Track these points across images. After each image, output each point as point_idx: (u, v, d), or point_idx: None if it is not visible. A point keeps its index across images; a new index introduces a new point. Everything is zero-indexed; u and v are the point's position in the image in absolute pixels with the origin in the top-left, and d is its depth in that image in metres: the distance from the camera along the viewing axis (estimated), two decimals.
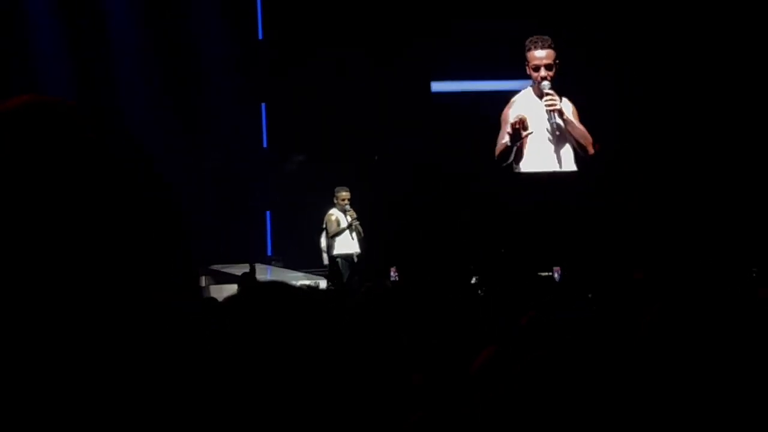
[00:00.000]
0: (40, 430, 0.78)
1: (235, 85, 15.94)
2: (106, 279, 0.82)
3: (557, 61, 11.35)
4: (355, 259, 13.67)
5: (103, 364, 0.80)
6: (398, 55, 15.67)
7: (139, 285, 0.84)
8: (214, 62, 15.77)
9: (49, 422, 0.78)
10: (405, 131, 15.68)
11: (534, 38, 11.87)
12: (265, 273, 14.23)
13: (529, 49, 10.90)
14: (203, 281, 14.03)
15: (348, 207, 13.64)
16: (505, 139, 10.57)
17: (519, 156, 10.84)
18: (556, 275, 11.18)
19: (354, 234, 13.68)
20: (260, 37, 16.46)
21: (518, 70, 11.35)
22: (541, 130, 10.67)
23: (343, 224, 13.65)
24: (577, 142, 11.11)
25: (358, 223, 13.65)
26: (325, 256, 14.31)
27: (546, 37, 12.21)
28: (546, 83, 10.59)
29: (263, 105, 16.58)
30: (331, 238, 13.71)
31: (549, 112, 10.54)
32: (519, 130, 9.96)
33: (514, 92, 11.63)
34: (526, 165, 10.96)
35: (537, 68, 10.68)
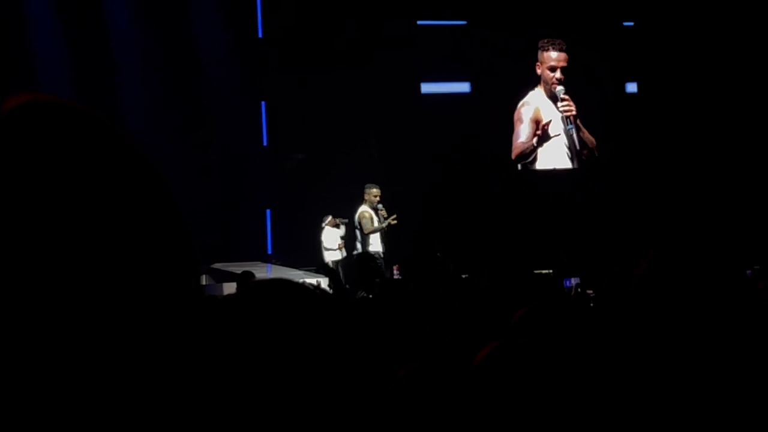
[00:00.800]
0: (40, 430, 0.79)
1: (235, 83, 15.93)
2: (112, 285, 0.82)
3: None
4: (381, 257, 13.64)
5: (104, 363, 0.81)
6: (395, 54, 15.66)
7: (147, 285, 0.85)
8: (214, 61, 15.76)
9: (48, 422, 0.79)
10: (402, 128, 15.69)
11: (549, 40, 11.86)
12: (265, 271, 14.22)
13: (546, 50, 10.90)
14: (203, 280, 14.02)
15: (380, 206, 13.59)
16: (521, 138, 10.58)
17: (533, 158, 10.90)
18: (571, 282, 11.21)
19: (381, 232, 13.70)
20: (260, 35, 16.46)
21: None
22: (553, 131, 10.71)
23: (376, 221, 13.60)
24: (585, 143, 11.14)
25: (386, 218, 13.62)
26: (326, 254, 14.30)
27: (560, 40, 12.19)
28: (561, 88, 10.65)
29: (263, 103, 16.57)
30: (366, 235, 13.65)
31: (565, 117, 10.59)
32: (548, 132, 10.02)
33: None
34: (540, 164, 10.98)
35: (553, 69, 10.73)
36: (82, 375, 0.78)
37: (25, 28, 14.72)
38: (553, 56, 10.71)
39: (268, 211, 16.61)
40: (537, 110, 10.79)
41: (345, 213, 14.51)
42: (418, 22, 16.25)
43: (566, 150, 11.72)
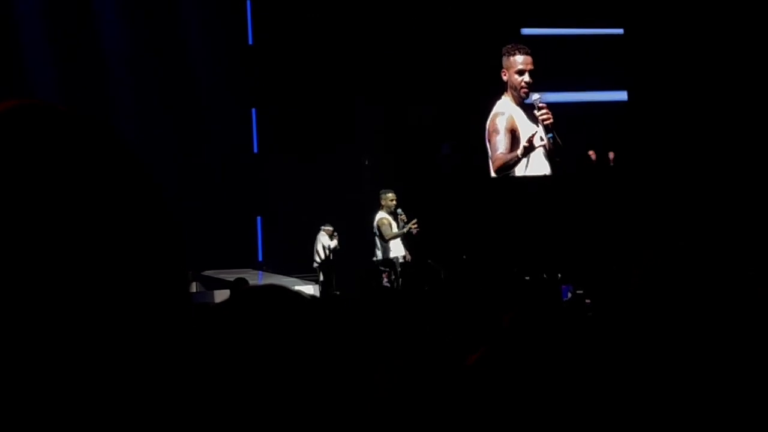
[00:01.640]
0: (40, 430, 0.79)
1: (226, 90, 15.93)
2: (101, 288, 0.82)
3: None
4: (399, 262, 13.67)
5: (94, 365, 0.81)
6: (384, 62, 15.69)
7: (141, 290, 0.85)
8: (205, 67, 15.76)
9: (48, 422, 0.79)
10: (389, 135, 15.72)
11: (513, 45, 11.84)
12: (257, 278, 14.21)
13: (511, 55, 10.87)
14: (194, 287, 13.99)
15: (399, 210, 13.60)
16: (501, 149, 10.55)
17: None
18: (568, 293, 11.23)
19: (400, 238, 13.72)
20: (250, 42, 16.46)
21: None
22: (524, 139, 10.68)
23: (394, 227, 13.60)
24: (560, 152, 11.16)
25: (405, 222, 13.67)
26: (315, 257, 14.31)
27: (523, 45, 12.22)
28: (537, 96, 10.63)
29: (253, 110, 16.57)
30: (387, 241, 13.65)
31: (545, 125, 10.58)
32: (534, 142, 10.01)
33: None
34: (518, 170, 10.98)
35: (521, 72, 10.69)
36: (73, 377, 0.78)
37: (15, 34, 14.69)
38: (519, 60, 10.71)
39: (258, 218, 16.59)
40: (511, 119, 10.80)
41: (339, 220, 14.50)
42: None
43: (544, 157, 11.74)
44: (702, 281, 1.94)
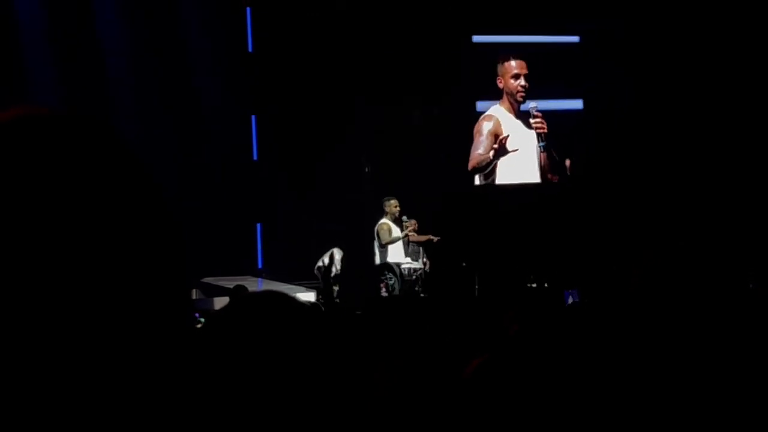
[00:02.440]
0: (40, 430, 0.78)
1: (225, 97, 15.94)
2: (103, 292, 0.82)
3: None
4: (404, 269, 13.71)
5: (95, 367, 0.80)
6: (384, 68, 15.71)
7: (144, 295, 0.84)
8: (204, 74, 15.77)
9: (48, 423, 0.78)
10: (392, 144, 15.74)
11: (505, 53, 11.87)
12: (256, 286, 14.21)
13: (506, 60, 10.86)
14: (193, 294, 13.98)
15: (405, 217, 13.69)
16: (479, 150, 10.54)
17: (491, 173, 10.85)
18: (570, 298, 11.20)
19: (404, 244, 13.78)
20: (250, 49, 16.48)
21: None
22: (515, 147, 10.67)
23: (395, 232, 13.67)
24: (553, 166, 11.13)
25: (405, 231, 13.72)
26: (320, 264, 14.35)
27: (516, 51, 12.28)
28: (534, 104, 10.62)
29: (253, 117, 16.58)
30: (383, 246, 13.74)
31: (538, 134, 10.55)
32: (505, 146, 9.96)
33: None
34: (501, 179, 10.96)
35: (517, 77, 10.67)
36: (73, 378, 0.78)
37: (15, 38, 14.69)
38: (514, 64, 10.72)
39: (258, 225, 16.59)
40: (497, 123, 10.80)
41: (339, 226, 14.52)
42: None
43: (538, 170, 11.76)
44: (702, 281, 1.94)
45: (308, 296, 13.39)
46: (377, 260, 13.82)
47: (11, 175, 0.80)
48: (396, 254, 13.79)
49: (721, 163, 15.49)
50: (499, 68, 10.76)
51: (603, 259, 10.66)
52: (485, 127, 10.98)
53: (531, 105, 10.54)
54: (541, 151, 10.77)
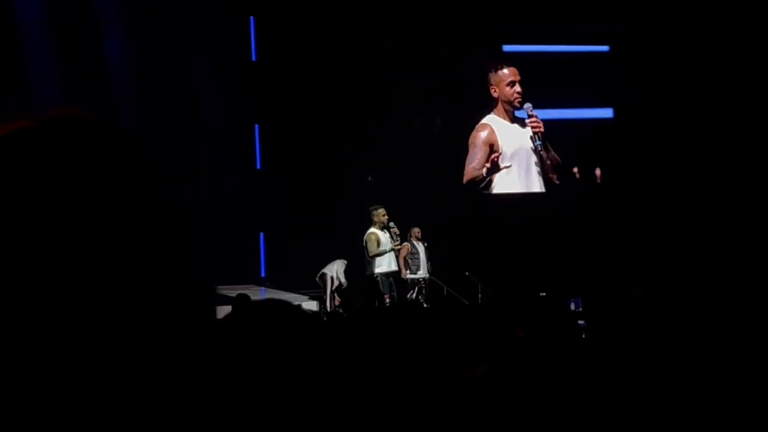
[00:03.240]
0: (40, 430, 0.79)
1: (229, 106, 15.95)
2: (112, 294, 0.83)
3: None
4: (393, 277, 13.71)
5: (98, 367, 0.81)
6: (387, 76, 15.72)
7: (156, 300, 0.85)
8: (208, 84, 15.78)
9: (48, 422, 0.79)
10: (395, 153, 15.74)
11: (494, 61, 11.87)
12: (260, 295, 14.19)
13: (498, 69, 10.82)
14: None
15: (392, 224, 13.68)
16: (473, 163, 10.51)
17: (488, 183, 10.82)
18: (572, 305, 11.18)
19: (393, 253, 13.76)
20: (253, 59, 16.49)
21: None
22: (512, 158, 10.64)
23: (384, 242, 13.64)
24: (552, 164, 11.11)
25: (398, 237, 13.68)
26: (328, 268, 14.36)
27: (506, 59, 12.27)
28: (529, 105, 10.61)
29: (257, 126, 16.59)
30: (372, 257, 13.72)
31: (534, 133, 10.54)
32: (497, 163, 9.93)
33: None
34: (498, 188, 10.92)
35: (512, 84, 10.66)
36: (73, 376, 0.78)
37: (17, 46, 14.72)
38: (507, 72, 10.71)
39: (261, 234, 16.59)
40: (491, 132, 10.80)
41: (342, 236, 14.51)
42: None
43: (537, 178, 11.72)
44: (702, 281, 1.94)
45: (311, 305, 13.40)
46: (366, 271, 13.84)
47: (21, 179, 0.81)
48: (386, 263, 13.75)
49: (721, 164, 15.56)
50: (492, 77, 10.74)
51: (608, 263, 10.64)
52: (479, 137, 10.98)
53: (526, 105, 10.52)
54: (539, 150, 10.72)
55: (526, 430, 2.06)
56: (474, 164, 10.48)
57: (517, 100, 10.64)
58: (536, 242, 11.90)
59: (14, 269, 0.78)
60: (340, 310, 13.30)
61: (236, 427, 1.25)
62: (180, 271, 0.87)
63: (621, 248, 11.08)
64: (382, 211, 13.74)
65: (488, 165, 9.95)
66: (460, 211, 14.84)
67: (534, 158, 10.91)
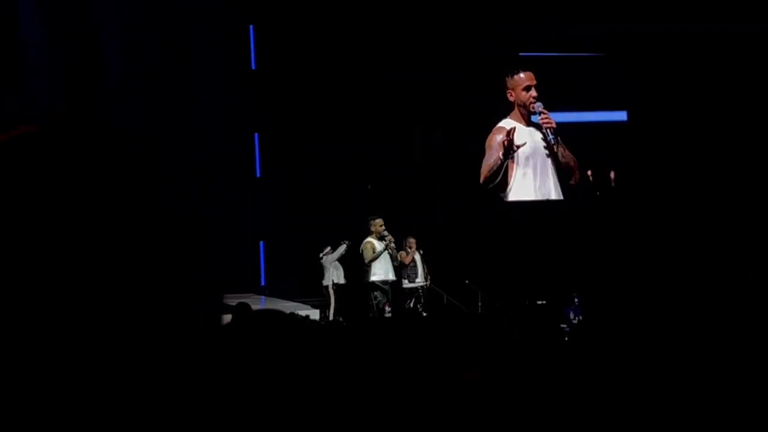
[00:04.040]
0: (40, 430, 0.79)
1: (228, 114, 15.95)
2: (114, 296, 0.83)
3: None
4: (389, 287, 13.73)
5: (97, 367, 0.81)
6: (386, 86, 15.72)
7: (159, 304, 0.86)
8: (207, 92, 15.79)
9: (47, 422, 0.79)
10: (395, 159, 15.74)
11: (511, 66, 11.89)
12: (259, 303, 14.19)
13: (515, 74, 10.88)
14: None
15: (386, 232, 13.77)
16: (492, 160, 10.54)
17: (504, 185, 10.86)
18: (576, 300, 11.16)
19: (390, 260, 13.81)
20: (253, 67, 16.51)
21: None
22: (527, 160, 10.69)
23: (379, 251, 13.73)
24: (567, 164, 11.15)
25: (394, 247, 13.76)
26: (327, 275, 14.36)
27: (523, 63, 12.32)
28: (539, 104, 10.66)
29: (256, 135, 16.59)
30: (367, 264, 13.81)
31: (546, 129, 10.59)
32: (512, 141, 9.96)
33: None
34: (514, 194, 10.96)
35: (528, 88, 10.71)
36: (73, 378, 0.79)
37: (19, 49, 14.72)
38: (524, 76, 10.75)
39: (261, 243, 16.58)
40: (506, 132, 10.80)
41: (341, 244, 14.52)
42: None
43: (553, 180, 11.71)
44: (702, 281, 1.94)
45: (313, 314, 13.38)
46: (363, 279, 13.89)
47: (23, 184, 0.82)
48: (382, 271, 13.79)
49: (721, 164, 15.62)
50: (509, 82, 10.79)
51: (609, 263, 10.65)
52: (495, 140, 11.00)
53: (536, 105, 10.56)
54: (552, 144, 10.73)
55: (526, 430, 2.06)
56: (490, 162, 10.49)
57: (532, 105, 10.69)
58: (544, 246, 11.89)
59: (18, 271, 0.79)
60: (340, 319, 13.30)
61: (235, 428, 1.26)
62: (179, 272, 0.88)
63: (621, 248, 11.10)
64: (379, 221, 13.88)
65: (505, 142, 9.96)
66: (465, 215, 14.84)
67: (550, 161, 10.96)
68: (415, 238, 14.24)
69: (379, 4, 15.74)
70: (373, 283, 13.70)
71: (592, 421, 2.00)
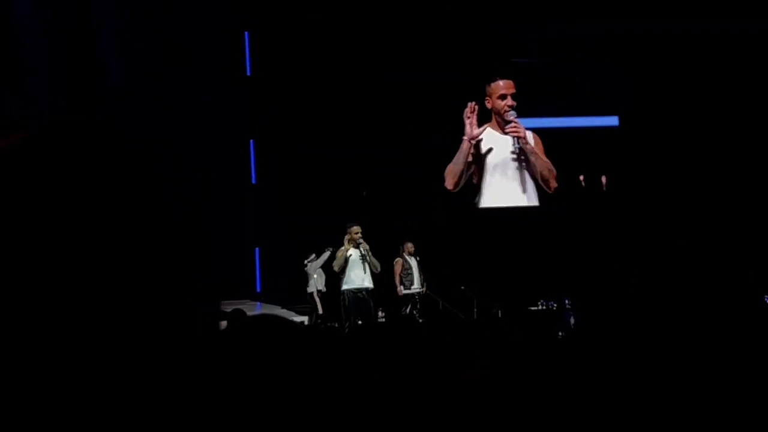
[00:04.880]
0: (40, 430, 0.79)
1: (224, 121, 15.96)
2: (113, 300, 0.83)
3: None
4: (365, 294, 13.37)
5: (96, 368, 0.81)
6: (382, 92, 15.74)
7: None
8: (203, 98, 15.79)
9: (46, 421, 0.79)
10: (391, 165, 15.76)
11: (493, 70, 11.90)
12: (255, 310, 14.19)
13: (493, 81, 10.88)
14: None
15: (361, 240, 13.44)
16: (454, 157, 10.56)
17: (478, 192, 10.85)
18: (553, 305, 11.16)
19: (367, 267, 13.38)
20: (248, 73, 16.51)
21: None
22: (502, 166, 10.67)
23: (354, 258, 13.36)
24: (540, 173, 11.13)
25: (369, 254, 13.39)
26: (311, 282, 14.33)
27: (505, 68, 12.33)
28: (512, 112, 10.65)
29: (251, 141, 16.60)
30: (338, 272, 13.52)
31: (514, 138, 10.58)
32: (472, 130, 9.92)
33: None
34: (486, 201, 10.95)
35: (503, 96, 10.71)
36: (73, 378, 0.79)
37: (18, 50, 14.71)
38: (502, 84, 10.73)
39: (256, 249, 16.57)
40: (485, 145, 10.80)
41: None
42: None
43: (513, 185, 11.71)
44: (702, 281, 1.94)
45: (300, 320, 13.36)
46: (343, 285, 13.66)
47: (25, 188, 0.82)
48: (357, 279, 13.32)
49: (721, 165, 15.67)
50: (487, 88, 10.79)
51: (609, 264, 10.67)
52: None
53: (509, 113, 10.56)
54: (517, 152, 10.73)
55: (527, 430, 2.06)
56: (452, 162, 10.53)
57: (506, 113, 10.68)
58: (542, 247, 11.89)
59: (19, 272, 0.79)
60: (335, 325, 13.26)
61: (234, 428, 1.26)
62: (179, 272, 0.88)
63: (621, 248, 11.12)
64: (355, 228, 13.40)
65: (467, 115, 9.93)
66: (465, 215, 14.85)
67: (526, 169, 10.95)
68: (412, 242, 14.08)
69: (380, 4, 15.77)
70: (345, 291, 13.33)
71: (593, 421, 2.00)
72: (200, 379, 1.26)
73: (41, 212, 0.82)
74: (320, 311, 14.20)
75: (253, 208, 16.32)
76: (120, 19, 15.26)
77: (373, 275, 13.34)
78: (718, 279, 1.98)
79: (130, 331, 0.84)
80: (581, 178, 14.04)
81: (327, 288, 14.33)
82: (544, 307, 11.52)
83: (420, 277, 14.05)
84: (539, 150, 11.25)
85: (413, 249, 14.11)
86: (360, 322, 12.62)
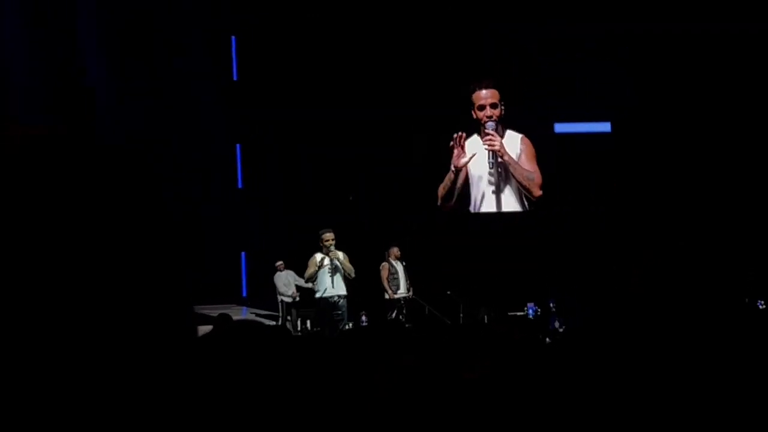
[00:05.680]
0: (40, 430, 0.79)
1: (210, 125, 15.93)
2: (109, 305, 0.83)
3: (502, 101, 11.35)
4: (338, 300, 13.08)
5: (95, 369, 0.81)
6: (372, 97, 15.74)
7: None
8: (189, 103, 15.77)
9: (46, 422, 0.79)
10: (380, 173, 15.77)
11: (477, 81, 11.90)
12: (241, 314, 14.16)
13: (474, 91, 10.90)
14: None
15: (332, 248, 13.09)
16: (445, 178, 10.57)
17: (465, 200, 10.88)
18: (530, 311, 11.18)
19: (335, 276, 13.03)
20: (235, 78, 16.50)
21: None
22: (486, 174, 10.71)
23: (327, 265, 12.94)
24: (520, 183, 11.13)
25: (338, 262, 13.09)
26: (290, 289, 14.33)
27: (489, 79, 12.30)
28: (491, 123, 10.67)
29: (238, 146, 16.58)
30: (307, 281, 13.30)
31: (488, 151, 10.61)
32: (461, 152, 9.97)
33: None
34: (472, 206, 10.99)
35: (482, 108, 10.74)
36: (73, 379, 0.79)
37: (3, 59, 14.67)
38: (482, 94, 10.78)
39: (243, 254, 16.54)
40: (471, 157, 10.78)
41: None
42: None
43: (496, 191, 11.71)
44: (702, 281, 1.94)
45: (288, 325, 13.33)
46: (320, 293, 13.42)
47: (20, 188, 0.82)
48: (328, 286, 12.91)
49: (721, 165, 15.74)
50: (471, 97, 10.80)
51: (609, 264, 10.67)
52: (452, 160, 11.06)
53: (487, 124, 10.56)
54: (489, 168, 10.75)
55: (527, 430, 2.06)
56: (444, 182, 10.54)
57: (484, 123, 10.71)
58: (518, 253, 11.88)
59: (18, 274, 0.79)
60: (316, 329, 13.21)
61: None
62: (180, 272, 0.88)
63: (621, 248, 11.14)
64: (327, 234, 12.99)
65: (453, 159, 9.98)
66: (465, 215, 14.88)
67: (512, 178, 10.97)
68: (398, 246, 13.97)
69: (380, 4, 15.79)
70: (319, 299, 13.09)
71: (593, 421, 2.00)
72: (194, 381, 1.26)
73: (39, 213, 0.82)
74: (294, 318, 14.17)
75: (240, 211, 16.30)
76: (117, 16, 15.24)
77: (347, 281, 13.07)
78: (717, 279, 1.99)
79: (130, 332, 0.84)
80: (614, 185, 14.04)
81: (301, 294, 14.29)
82: (532, 312, 11.53)
83: (406, 281, 13.92)
84: (527, 156, 11.30)
85: (399, 254, 14.01)
86: (330, 329, 12.41)
